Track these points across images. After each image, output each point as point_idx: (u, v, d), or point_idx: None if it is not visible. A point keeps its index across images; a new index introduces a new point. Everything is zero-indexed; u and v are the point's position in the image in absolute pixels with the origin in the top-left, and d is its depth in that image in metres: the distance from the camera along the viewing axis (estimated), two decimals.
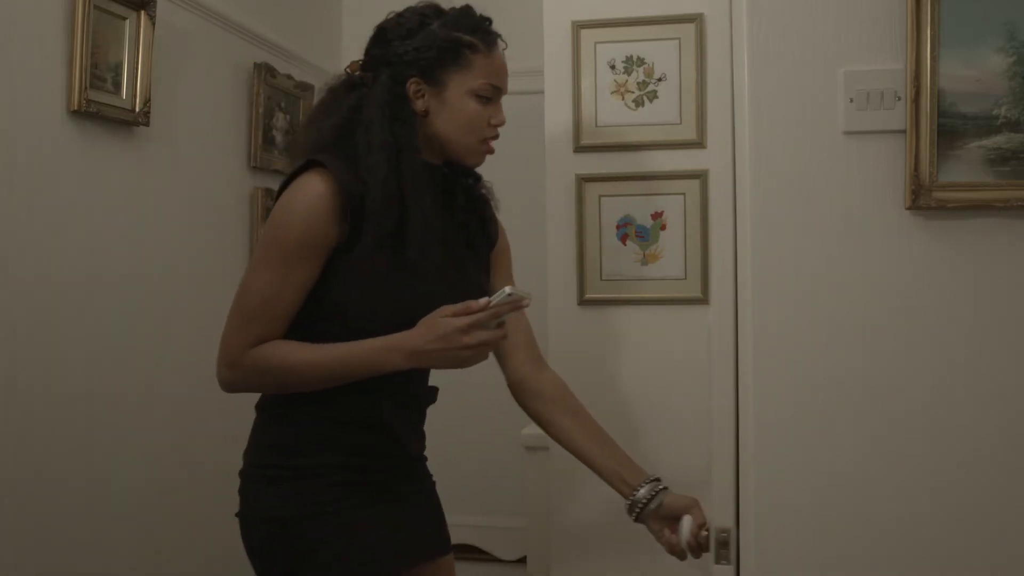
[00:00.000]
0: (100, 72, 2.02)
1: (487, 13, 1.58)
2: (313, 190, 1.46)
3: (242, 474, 1.59)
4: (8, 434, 1.79)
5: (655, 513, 1.49)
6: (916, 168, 1.43)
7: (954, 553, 1.46)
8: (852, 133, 1.47)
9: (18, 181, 1.82)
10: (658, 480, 1.50)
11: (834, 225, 1.48)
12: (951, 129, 1.43)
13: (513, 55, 1.59)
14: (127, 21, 2.10)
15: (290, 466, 1.53)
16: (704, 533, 1.45)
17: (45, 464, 1.88)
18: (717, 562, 1.68)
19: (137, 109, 2.13)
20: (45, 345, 1.89)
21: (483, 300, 1.39)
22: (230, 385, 1.51)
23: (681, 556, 1.46)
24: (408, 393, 1.61)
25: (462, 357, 1.43)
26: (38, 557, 1.85)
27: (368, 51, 1.60)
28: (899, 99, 1.45)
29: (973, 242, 1.46)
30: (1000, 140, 1.42)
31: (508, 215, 1.70)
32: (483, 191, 1.68)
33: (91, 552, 2.00)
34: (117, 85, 2.09)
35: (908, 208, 1.45)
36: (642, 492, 1.49)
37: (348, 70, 1.60)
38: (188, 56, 2.34)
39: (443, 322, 1.41)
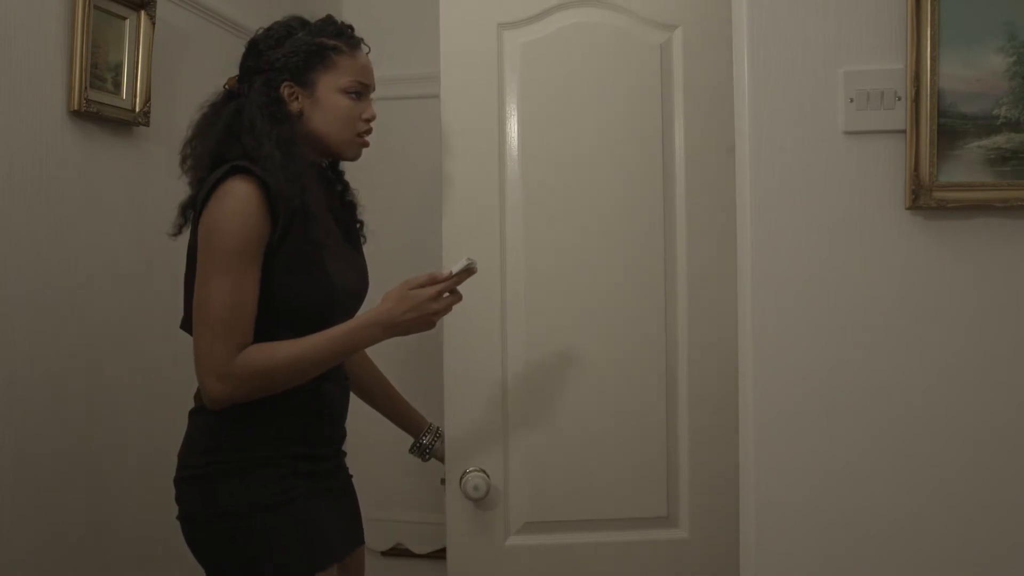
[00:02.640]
0: (100, 72, 2.02)
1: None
2: (243, 193, 1.57)
3: (184, 478, 1.68)
4: (8, 434, 1.79)
5: (438, 452, 1.98)
6: (916, 168, 1.43)
7: (955, 549, 1.46)
8: (852, 133, 1.47)
9: (18, 181, 1.82)
10: (438, 428, 1.98)
11: (834, 225, 1.48)
12: (951, 129, 1.43)
13: None
14: (127, 21, 2.10)
15: (244, 460, 1.63)
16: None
17: (45, 464, 1.88)
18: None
19: (137, 109, 2.13)
20: (45, 345, 1.89)
21: (447, 271, 1.63)
22: (222, 398, 1.58)
23: None
24: (343, 375, 1.79)
25: (431, 322, 1.63)
26: (38, 557, 1.85)
27: (242, 65, 1.74)
28: (899, 99, 1.45)
29: (973, 242, 1.46)
30: (1000, 140, 1.43)
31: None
32: (351, 198, 1.87)
33: (90, 552, 2.00)
34: (117, 85, 2.08)
35: (908, 208, 1.45)
36: (427, 439, 2.00)
37: (226, 85, 1.75)
38: (188, 56, 2.33)
39: (414, 293, 1.60)
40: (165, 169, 2.23)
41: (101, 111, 2.01)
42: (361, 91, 1.72)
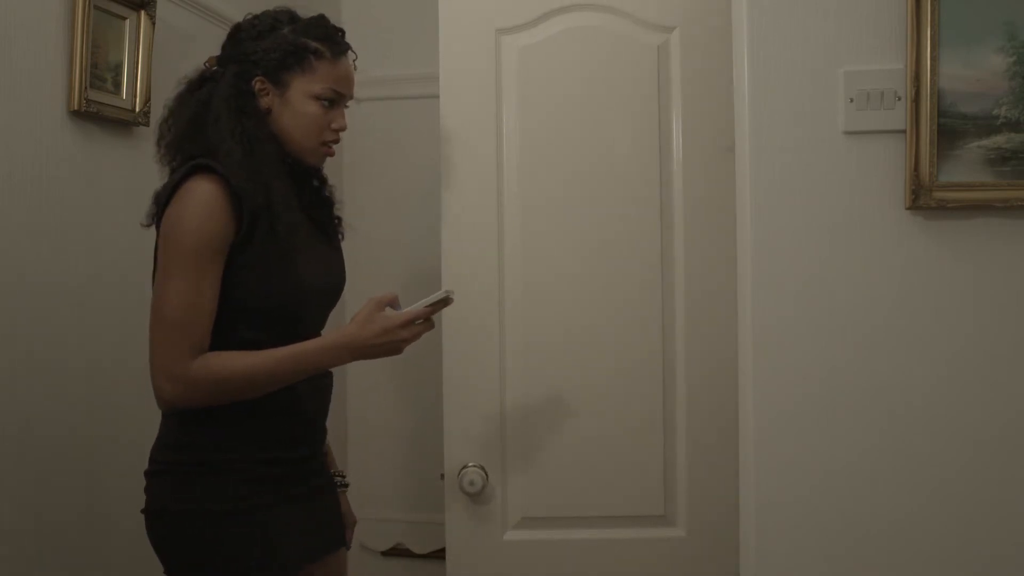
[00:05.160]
0: (100, 72, 2.02)
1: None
2: (204, 192, 1.54)
3: (149, 472, 1.67)
4: (8, 433, 1.79)
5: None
6: (916, 168, 1.43)
7: (956, 548, 1.46)
8: (852, 133, 1.47)
9: (18, 181, 1.82)
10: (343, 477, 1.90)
11: (834, 225, 1.48)
12: (951, 129, 1.43)
13: None
14: (127, 21, 2.10)
15: (204, 462, 1.61)
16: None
17: (45, 465, 1.88)
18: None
19: (137, 109, 2.13)
20: (44, 345, 1.89)
21: (423, 303, 1.58)
22: (173, 400, 1.56)
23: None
24: (320, 375, 1.72)
25: (400, 348, 1.59)
26: (38, 554, 1.85)
27: (223, 47, 1.71)
28: (899, 99, 1.45)
29: (973, 242, 1.46)
30: (1000, 140, 1.43)
31: None
32: (328, 194, 1.82)
33: (89, 548, 2.00)
34: (117, 85, 2.08)
35: (908, 208, 1.45)
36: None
37: (206, 64, 1.72)
38: (188, 56, 2.33)
39: (384, 317, 1.56)
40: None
41: (101, 111, 2.01)
42: (335, 99, 1.68)
